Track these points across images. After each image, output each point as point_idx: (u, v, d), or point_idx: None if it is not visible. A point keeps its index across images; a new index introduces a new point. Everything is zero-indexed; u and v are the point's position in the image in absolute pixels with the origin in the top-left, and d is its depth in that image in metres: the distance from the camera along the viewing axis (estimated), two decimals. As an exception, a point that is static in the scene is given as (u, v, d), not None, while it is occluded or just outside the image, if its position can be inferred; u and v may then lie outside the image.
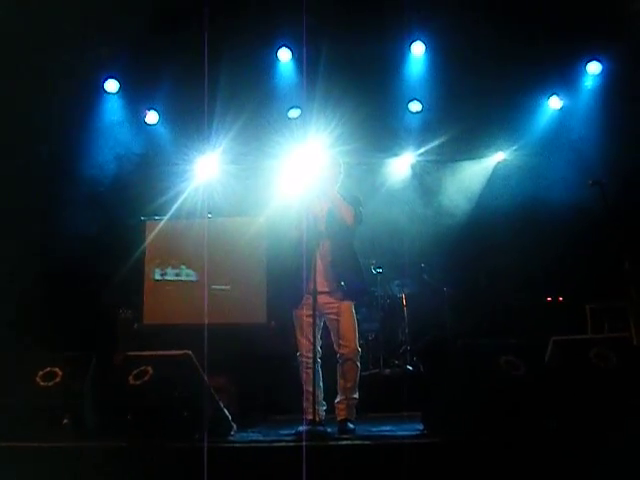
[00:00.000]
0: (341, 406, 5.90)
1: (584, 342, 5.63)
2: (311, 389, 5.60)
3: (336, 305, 5.93)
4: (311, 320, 5.69)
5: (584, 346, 5.43)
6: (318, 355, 5.85)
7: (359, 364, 5.97)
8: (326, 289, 5.90)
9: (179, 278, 9.97)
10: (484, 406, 5.02)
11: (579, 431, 4.90)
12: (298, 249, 6.04)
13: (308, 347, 5.86)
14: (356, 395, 5.94)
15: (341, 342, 5.90)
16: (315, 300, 5.58)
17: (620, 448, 4.58)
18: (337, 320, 5.93)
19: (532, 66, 9.39)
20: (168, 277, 9.99)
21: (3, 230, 8.26)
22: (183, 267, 10.00)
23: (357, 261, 6.19)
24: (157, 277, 9.99)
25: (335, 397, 5.98)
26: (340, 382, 5.94)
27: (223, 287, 9.79)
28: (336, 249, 6.02)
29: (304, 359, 5.96)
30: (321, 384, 5.97)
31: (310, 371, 5.78)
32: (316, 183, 6.08)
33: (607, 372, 5.21)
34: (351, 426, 5.74)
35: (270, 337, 8.98)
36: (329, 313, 5.96)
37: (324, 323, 6.09)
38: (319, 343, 5.94)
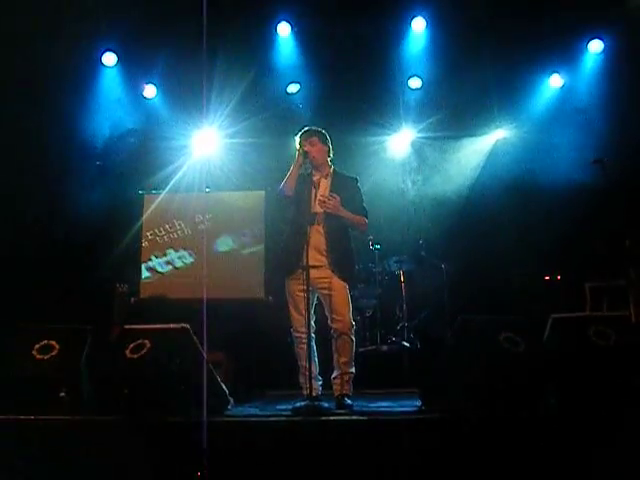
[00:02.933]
0: (337, 381, 5.91)
1: (583, 320, 5.62)
2: (306, 364, 5.59)
3: (328, 280, 5.92)
4: (304, 295, 5.69)
5: (583, 324, 5.42)
6: (312, 330, 5.84)
7: (354, 338, 5.96)
8: (318, 263, 5.88)
9: (171, 268, 9.95)
10: (482, 383, 5.01)
11: (577, 408, 4.90)
12: (293, 224, 6.12)
13: (302, 322, 5.86)
14: (352, 370, 5.94)
15: (334, 317, 5.90)
16: (308, 275, 5.57)
17: (619, 426, 4.58)
18: (329, 295, 5.93)
19: (533, 44, 9.36)
20: (159, 268, 9.96)
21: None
22: (175, 252, 9.97)
23: (349, 242, 6.20)
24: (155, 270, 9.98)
25: (332, 372, 5.99)
26: (335, 357, 5.95)
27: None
28: (329, 224, 6.02)
29: (298, 334, 5.98)
30: (316, 359, 5.97)
31: (304, 346, 5.76)
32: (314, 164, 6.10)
33: (606, 350, 5.20)
34: (348, 401, 5.74)
35: (268, 312, 8.96)
36: (321, 288, 5.95)
37: (317, 299, 6.09)
38: (313, 318, 5.93)
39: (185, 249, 9.95)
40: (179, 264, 9.92)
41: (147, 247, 10.01)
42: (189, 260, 9.89)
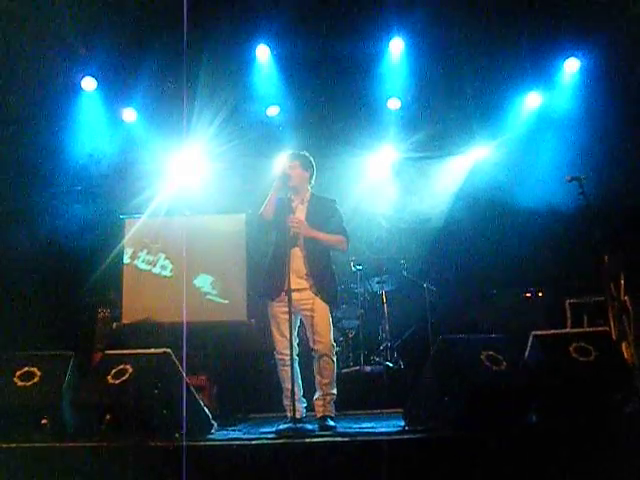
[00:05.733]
0: (319, 402, 5.93)
1: (564, 336, 5.66)
2: (289, 387, 5.60)
3: (310, 301, 5.96)
4: (287, 317, 5.71)
5: (564, 340, 5.45)
6: (295, 352, 5.84)
7: (335, 359, 5.99)
8: (300, 287, 5.91)
9: (151, 268, 9.89)
10: (465, 402, 5.02)
11: (559, 425, 4.91)
12: (274, 248, 6.17)
13: (284, 345, 5.89)
14: (334, 391, 5.97)
15: (315, 338, 5.93)
16: (290, 298, 5.59)
17: (599, 441, 4.60)
18: (312, 316, 5.96)
19: (511, 63, 9.44)
20: (140, 264, 9.90)
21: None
22: (161, 256, 9.92)
23: (329, 264, 6.23)
24: (127, 261, 9.89)
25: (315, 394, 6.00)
26: (317, 378, 5.98)
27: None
28: (309, 248, 6.06)
29: (281, 357, 6.00)
30: (299, 381, 5.98)
31: (287, 368, 5.79)
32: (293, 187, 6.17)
33: (587, 366, 5.23)
34: (331, 423, 5.76)
35: (250, 335, 8.95)
36: (304, 309, 5.98)
37: (300, 321, 6.11)
38: (296, 340, 5.93)
39: (171, 262, 9.92)
40: (157, 271, 9.87)
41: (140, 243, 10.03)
42: (167, 273, 9.86)
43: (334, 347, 5.98)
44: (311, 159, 6.35)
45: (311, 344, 5.98)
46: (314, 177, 6.36)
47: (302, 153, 6.37)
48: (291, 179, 6.08)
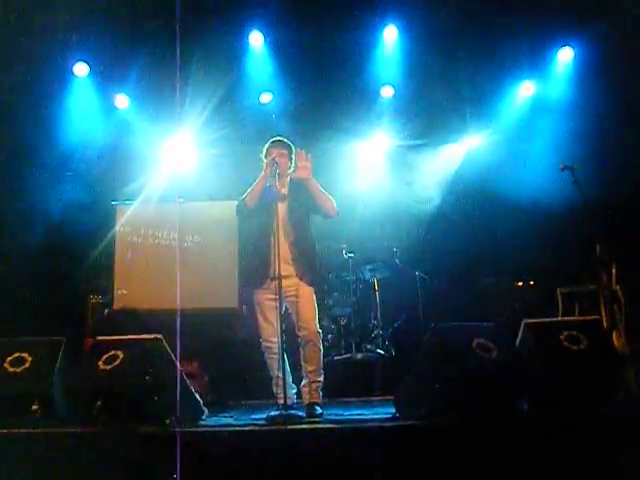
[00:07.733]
0: (306, 389, 5.97)
1: (555, 325, 5.69)
2: (278, 374, 5.61)
3: (295, 288, 5.96)
4: (273, 304, 5.77)
5: (555, 329, 5.48)
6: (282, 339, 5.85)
7: (321, 346, 6.00)
8: (286, 273, 5.89)
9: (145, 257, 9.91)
10: (456, 389, 5.03)
11: (550, 413, 4.93)
12: (260, 233, 6.16)
13: (271, 332, 5.93)
14: (320, 378, 5.98)
15: (300, 324, 5.95)
16: (280, 285, 5.61)
17: (589, 430, 4.62)
18: (296, 302, 5.97)
19: (505, 52, 9.40)
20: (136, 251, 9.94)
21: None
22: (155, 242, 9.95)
23: (314, 246, 6.25)
24: (121, 248, 9.96)
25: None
26: (303, 365, 6.00)
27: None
28: (294, 234, 6.08)
29: (268, 344, 6.01)
30: (288, 368, 5.96)
31: (275, 356, 5.83)
32: (280, 170, 6.14)
33: (577, 354, 5.25)
34: (319, 409, 5.78)
35: (242, 322, 8.96)
36: (288, 296, 5.96)
37: (286, 308, 6.10)
38: (282, 328, 5.93)
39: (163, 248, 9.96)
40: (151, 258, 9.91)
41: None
42: (160, 260, 9.85)
43: (320, 334, 5.99)
44: (293, 149, 6.36)
45: (296, 331, 5.99)
46: (293, 167, 6.36)
47: (288, 142, 6.38)
48: (279, 166, 6.08)
